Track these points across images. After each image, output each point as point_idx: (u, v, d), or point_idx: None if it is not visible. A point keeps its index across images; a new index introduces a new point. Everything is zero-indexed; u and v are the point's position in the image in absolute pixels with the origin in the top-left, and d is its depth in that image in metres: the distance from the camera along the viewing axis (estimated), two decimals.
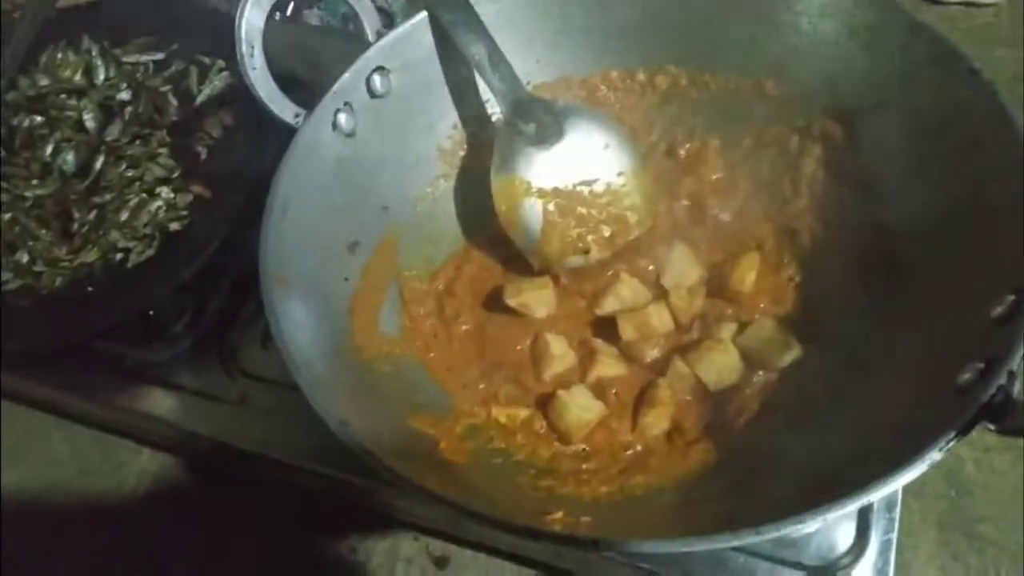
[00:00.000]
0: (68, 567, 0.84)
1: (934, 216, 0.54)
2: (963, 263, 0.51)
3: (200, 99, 0.79)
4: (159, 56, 0.82)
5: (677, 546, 0.38)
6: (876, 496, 0.39)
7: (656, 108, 0.67)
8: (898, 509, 0.58)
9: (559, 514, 0.44)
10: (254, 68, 0.58)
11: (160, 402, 0.71)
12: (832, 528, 0.58)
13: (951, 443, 0.39)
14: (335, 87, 0.59)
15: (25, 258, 0.74)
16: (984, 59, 0.52)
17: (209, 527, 0.84)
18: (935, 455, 0.39)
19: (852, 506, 0.39)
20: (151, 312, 0.69)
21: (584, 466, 0.54)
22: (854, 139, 0.59)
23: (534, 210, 0.60)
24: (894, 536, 0.57)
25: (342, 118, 0.59)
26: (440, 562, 0.80)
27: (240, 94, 0.78)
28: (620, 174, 0.62)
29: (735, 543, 0.38)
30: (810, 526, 0.39)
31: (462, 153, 0.67)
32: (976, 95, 0.50)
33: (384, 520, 0.79)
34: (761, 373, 0.56)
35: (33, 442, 0.92)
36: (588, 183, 0.61)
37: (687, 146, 0.66)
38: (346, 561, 0.81)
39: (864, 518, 0.57)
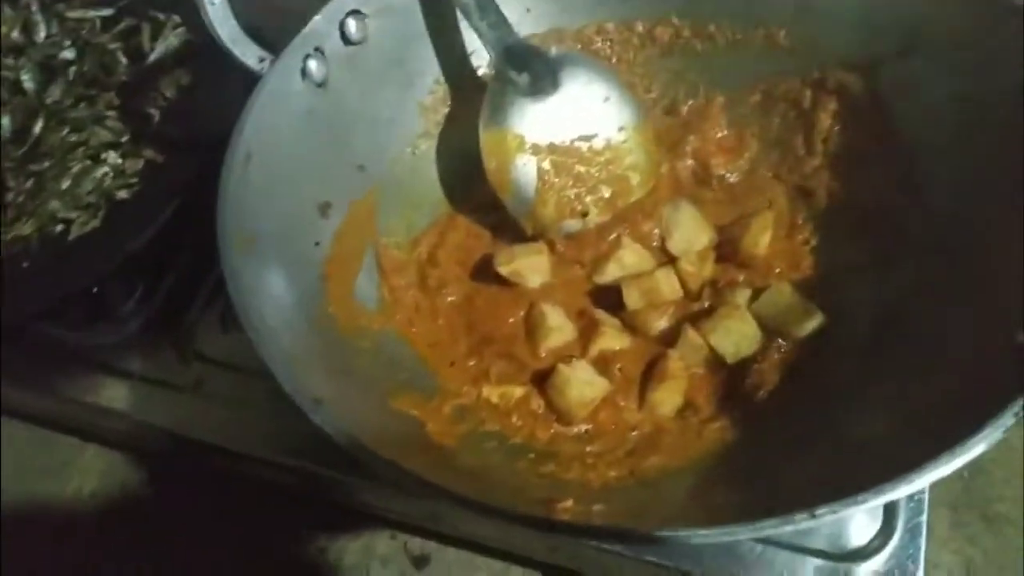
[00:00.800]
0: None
1: (970, 169, 0.49)
2: (1007, 218, 0.46)
3: (153, 57, 0.72)
4: (107, 12, 0.74)
5: (718, 535, 0.33)
6: (939, 475, 0.34)
7: (656, 62, 0.62)
8: (926, 491, 0.53)
9: (568, 502, 0.38)
10: (212, 3, 0.51)
11: (107, 390, 0.64)
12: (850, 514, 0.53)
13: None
14: (305, 30, 0.53)
15: None
16: None
17: (161, 531, 0.77)
18: (1007, 421, 0.34)
19: (917, 484, 0.33)
20: (95, 290, 0.62)
21: (588, 448, 0.49)
22: (875, 91, 0.55)
23: (527, 168, 0.55)
24: (924, 519, 0.52)
25: (312, 65, 0.52)
26: (419, 561, 0.74)
27: (197, 51, 0.71)
28: (621, 129, 0.56)
29: (785, 527, 0.32)
30: (863, 506, 0.34)
31: (445, 110, 0.61)
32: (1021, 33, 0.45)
33: (357, 517, 0.73)
34: (781, 343, 0.51)
35: None
36: (586, 139, 0.55)
37: (690, 103, 0.61)
38: (317, 563, 0.74)
39: (891, 503, 0.52)
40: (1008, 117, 0.46)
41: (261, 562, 0.75)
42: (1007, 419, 0.34)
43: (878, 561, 0.51)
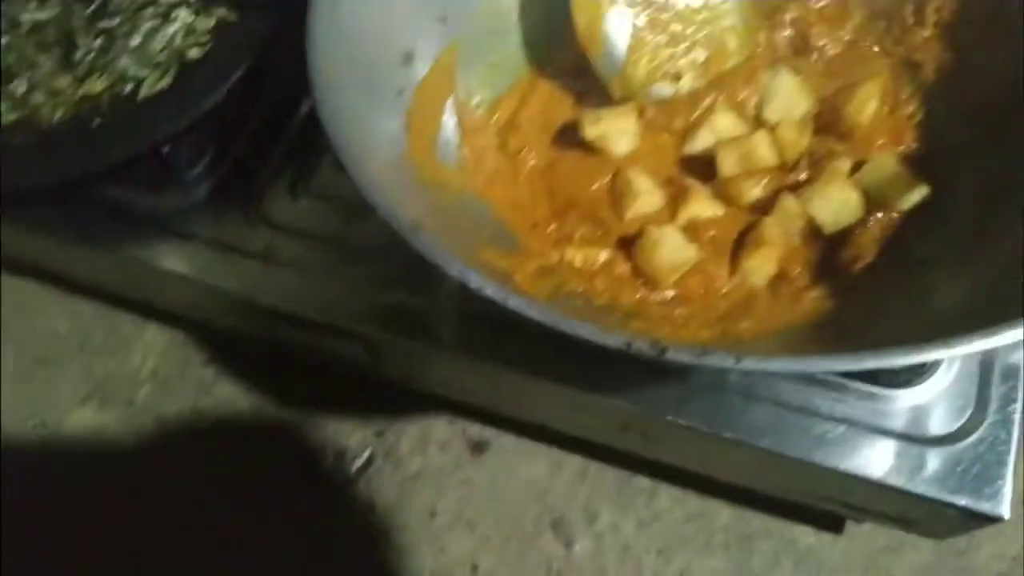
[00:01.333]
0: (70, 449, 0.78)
1: None
2: None
3: None
4: None
5: (838, 361, 0.31)
6: None
7: None
8: (1021, 377, 0.51)
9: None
10: None
11: (174, 254, 0.63)
12: (940, 397, 0.51)
13: None
14: None
15: (23, 88, 0.65)
16: None
17: (219, 407, 0.78)
18: None
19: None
20: (165, 150, 0.61)
21: (676, 312, 0.47)
22: None
23: (620, 23, 0.52)
24: (1017, 406, 0.50)
25: None
26: (478, 447, 0.74)
27: None
28: None
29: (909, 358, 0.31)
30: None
31: None
32: None
33: (416, 400, 0.73)
34: (881, 215, 0.48)
35: (32, 316, 0.85)
36: None
37: None
38: (374, 446, 0.74)
39: (984, 386, 0.50)
40: None
41: (317, 443, 0.75)
42: None
43: (964, 446, 0.50)
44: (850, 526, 0.65)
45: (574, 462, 0.72)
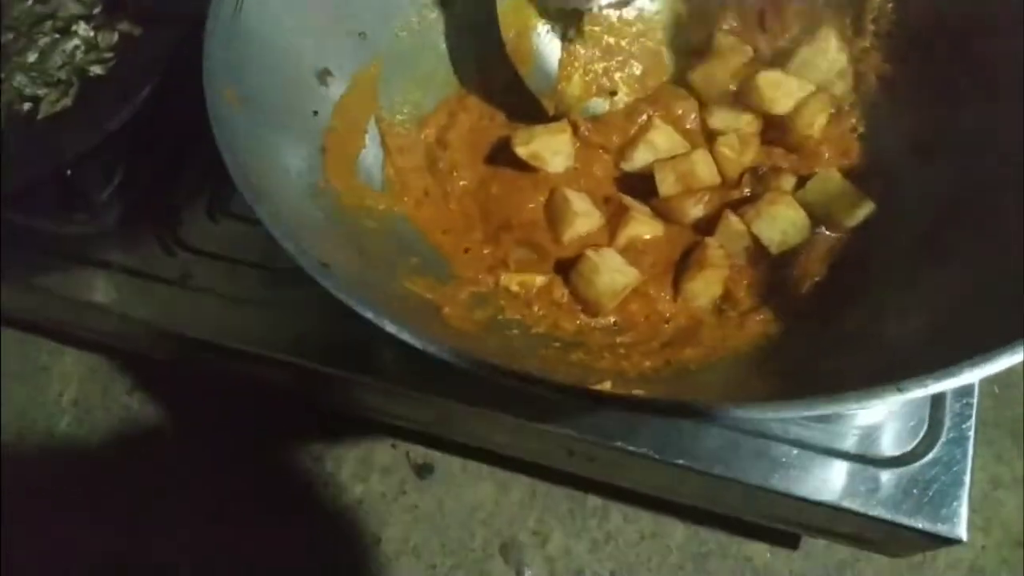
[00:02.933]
0: None
1: None
2: None
3: None
4: None
5: (777, 409, 0.29)
6: (988, 371, 0.30)
7: None
8: (975, 395, 0.49)
9: (607, 384, 0.34)
10: None
11: (87, 284, 0.59)
12: (894, 416, 0.49)
13: None
14: None
15: None
16: None
17: (145, 438, 0.73)
18: None
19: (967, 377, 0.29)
20: (69, 174, 0.56)
21: (619, 340, 0.44)
22: None
23: (551, 37, 0.49)
24: (972, 424, 0.48)
25: None
26: (422, 470, 0.71)
27: None
28: None
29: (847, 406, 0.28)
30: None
31: None
32: None
33: (356, 424, 0.69)
34: (828, 232, 0.46)
35: None
36: (617, 5, 0.50)
37: None
38: (312, 472, 0.71)
39: (938, 404, 0.49)
40: None
41: (253, 473, 0.71)
42: None
43: (919, 467, 0.48)
44: (807, 541, 0.63)
45: (523, 483, 0.69)
